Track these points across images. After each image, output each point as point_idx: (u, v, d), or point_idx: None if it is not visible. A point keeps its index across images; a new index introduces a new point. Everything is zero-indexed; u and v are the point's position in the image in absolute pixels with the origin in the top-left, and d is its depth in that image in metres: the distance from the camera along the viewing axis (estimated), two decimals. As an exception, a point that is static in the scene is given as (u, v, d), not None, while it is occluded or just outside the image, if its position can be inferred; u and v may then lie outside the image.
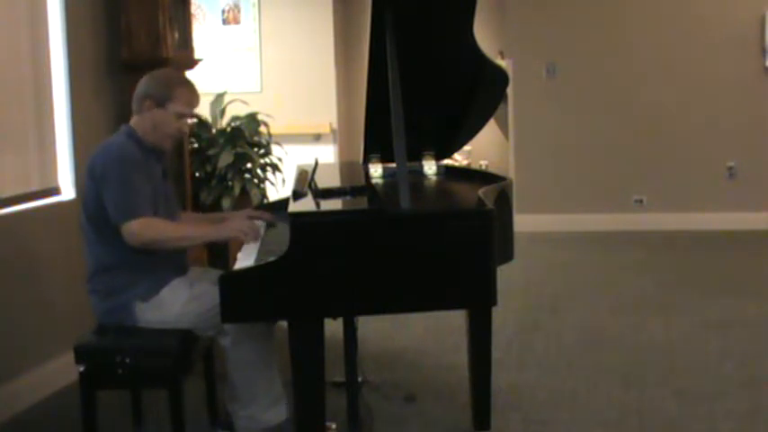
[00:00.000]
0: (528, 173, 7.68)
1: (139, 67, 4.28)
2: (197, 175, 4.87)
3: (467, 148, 6.99)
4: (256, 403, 3.15)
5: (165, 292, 3.10)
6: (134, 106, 3.19)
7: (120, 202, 3.01)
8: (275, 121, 5.46)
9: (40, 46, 4.01)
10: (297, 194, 3.23)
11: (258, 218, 3.38)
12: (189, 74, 4.57)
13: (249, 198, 4.84)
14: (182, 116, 3.17)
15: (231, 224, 3.18)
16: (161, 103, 3.13)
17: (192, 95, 3.21)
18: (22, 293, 3.79)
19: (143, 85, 3.18)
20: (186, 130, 3.28)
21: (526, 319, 4.97)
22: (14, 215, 3.78)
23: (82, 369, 3.01)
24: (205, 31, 7.76)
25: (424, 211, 3.11)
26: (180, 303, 3.08)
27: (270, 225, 3.40)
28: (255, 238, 3.11)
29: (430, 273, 2.83)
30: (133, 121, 3.19)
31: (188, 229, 3.21)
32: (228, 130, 5.02)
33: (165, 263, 3.14)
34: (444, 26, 3.45)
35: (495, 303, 2.95)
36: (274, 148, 5.24)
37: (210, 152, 4.87)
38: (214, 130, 5.06)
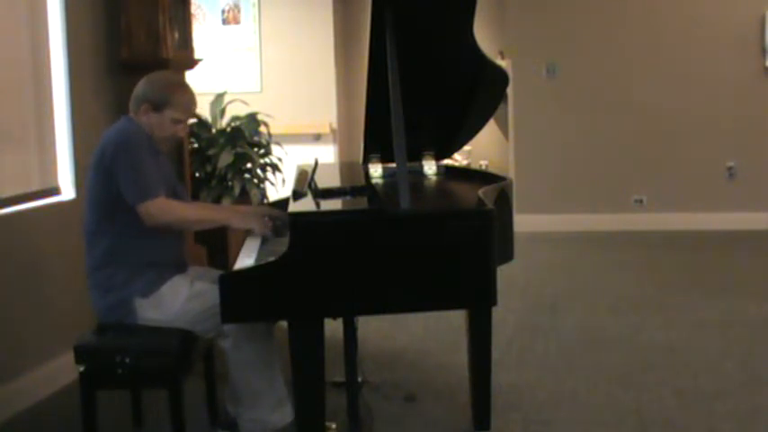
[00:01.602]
0: (528, 173, 7.68)
1: (139, 67, 4.28)
2: (197, 175, 4.87)
3: (467, 148, 6.99)
4: (261, 405, 3.14)
5: (166, 289, 3.10)
6: (131, 106, 3.20)
7: (135, 183, 3.02)
8: (275, 121, 5.45)
9: (40, 46, 4.01)
10: (297, 194, 3.23)
11: (277, 217, 3.36)
12: (189, 74, 4.58)
13: (249, 198, 4.84)
14: (178, 122, 3.18)
15: (249, 217, 3.19)
16: (158, 108, 3.14)
17: (189, 102, 3.21)
18: (22, 293, 3.79)
19: (141, 87, 3.19)
20: (182, 134, 3.29)
21: (526, 319, 4.97)
22: (14, 215, 3.78)
23: (82, 369, 3.02)
24: (205, 31, 7.76)
25: (423, 211, 3.10)
26: (180, 301, 3.09)
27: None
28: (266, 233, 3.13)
29: (430, 273, 2.83)
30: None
31: (204, 212, 3.23)
32: (228, 130, 5.02)
33: (164, 259, 3.15)
34: (444, 26, 3.45)
35: (495, 303, 2.95)
36: (274, 148, 5.24)
37: (210, 152, 4.87)
38: (214, 130, 5.05)
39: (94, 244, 3.14)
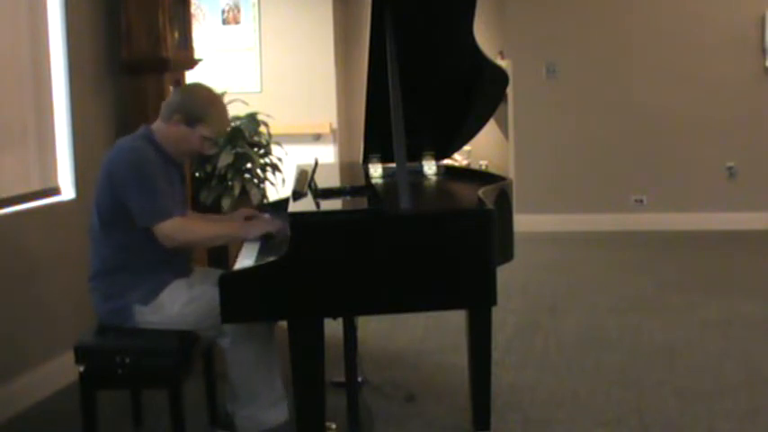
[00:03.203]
0: (528, 173, 7.68)
1: (139, 67, 4.29)
2: (197, 175, 4.87)
3: (467, 148, 6.98)
4: (257, 403, 3.15)
5: (164, 296, 3.10)
6: (162, 112, 3.16)
7: (148, 205, 3.00)
8: (275, 121, 5.45)
9: (40, 46, 4.01)
10: (297, 194, 3.23)
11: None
12: (189, 74, 4.58)
13: (249, 198, 4.83)
14: (207, 140, 3.17)
15: (259, 223, 3.22)
16: (190, 122, 3.11)
17: (223, 123, 3.22)
18: (22, 293, 3.79)
19: (178, 96, 3.17)
20: (207, 152, 3.27)
21: (526, 319, 4.97)
22: (14, 215, 3.78)
23: (82, 369, 3.02)
24: (205, 31, 7.76)
25: (423, 211, 3.11)
26: (179, 305, 3.09)
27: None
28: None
29: (430, 273, 2.83)
30: (156, 125, 3.18)
31: (219, 228, 3.24)
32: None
33: (166, 266, 3.14)
34: (444, 26, 3.45)
35: (494, 303, 2.96)
36: (274, 148, 5.23)
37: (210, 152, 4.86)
38: (214, 130, 5.05)
39: (99, 250, 3.14)
